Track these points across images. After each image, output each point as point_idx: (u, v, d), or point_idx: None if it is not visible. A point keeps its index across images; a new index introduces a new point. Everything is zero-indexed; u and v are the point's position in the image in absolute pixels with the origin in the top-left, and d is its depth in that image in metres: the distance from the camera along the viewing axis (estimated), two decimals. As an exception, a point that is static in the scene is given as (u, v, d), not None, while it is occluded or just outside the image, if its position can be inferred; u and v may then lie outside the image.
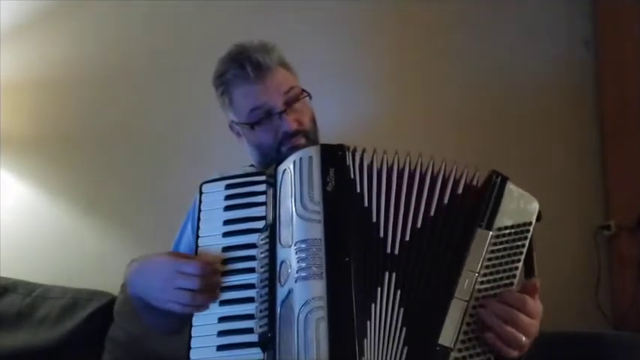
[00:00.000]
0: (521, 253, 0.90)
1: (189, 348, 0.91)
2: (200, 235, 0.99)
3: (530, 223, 0.92)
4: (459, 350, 0.85)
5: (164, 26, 2.00)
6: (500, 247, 0.90)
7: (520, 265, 0.90)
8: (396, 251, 0.91)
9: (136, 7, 2.00)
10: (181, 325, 1.10)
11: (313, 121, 1.23)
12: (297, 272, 0.88)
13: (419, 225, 0.92)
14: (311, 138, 1.20)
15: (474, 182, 0.95)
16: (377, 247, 0.91)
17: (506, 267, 0.89)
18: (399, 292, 0.88)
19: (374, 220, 0.92)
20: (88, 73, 1.99)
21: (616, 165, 1.80)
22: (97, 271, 1.87)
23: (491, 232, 0.90)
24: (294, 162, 0.96)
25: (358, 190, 0.94)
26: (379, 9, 1.94)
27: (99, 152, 1.96)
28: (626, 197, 1.77)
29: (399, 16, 1.95)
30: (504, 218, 0.91)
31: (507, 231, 0.91)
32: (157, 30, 2.00)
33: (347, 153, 0.96)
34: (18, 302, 1.76)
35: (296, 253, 0.89)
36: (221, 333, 0.91)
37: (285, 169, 0.97)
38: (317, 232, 0.89)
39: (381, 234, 0.91)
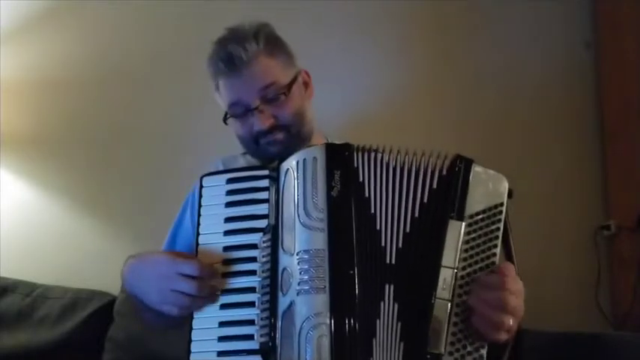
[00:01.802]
0: (496, 237, 0.87)
1: (189, 352, 0.90)
2: (200, 232, 0.96)
3: (502, 204, 0.88)
4: (450, 353, 0.83)
5: (164, 26, 2.00)
6: (475, 235, 0.86)
7: (497, 250, 0.86)
8: (393, 261, 0.86)
9: (135, 7, 1.99)
10: (181, 321, 1.09)
11: (298, 114, 1.15)
12: (299, 284, 0.85)
13: (408, 229, 0.87)
14: (292, 132, 1.14)
15: (444, 171, 0.89)
16: (379, 258, 0.87)
17: (484, 255, 0.86)
18: (396, 304, 0.85)
19: (377, 227, 0.87)
20: (87, 73, 1.99)
21: (616, 165, 1.80)
22: (97, 271, 1.86)
23: (463, 223, 0.86)
24: (298, 162, 0.91)
25: (367, 195, 0.88)
26: (380, 8, 1.94)
27: (99, 152, 1.96)
28: (626, 197, 1.76)
29: (400, 16, 1.94)
30: (474, 204, 0.87)
31: (480, 217, 0.86)
32: (156, 30, 2.00)
33: (354, 153, 0.90)
34: (18, 302, 1.76)
35: (298, 264, 0.86)
36: (221, 338, 0.89)
37: (287, 169, 0.92)
38: (320, 242, 0.86)
39: (382, 242, 0.87)
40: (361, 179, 0.89)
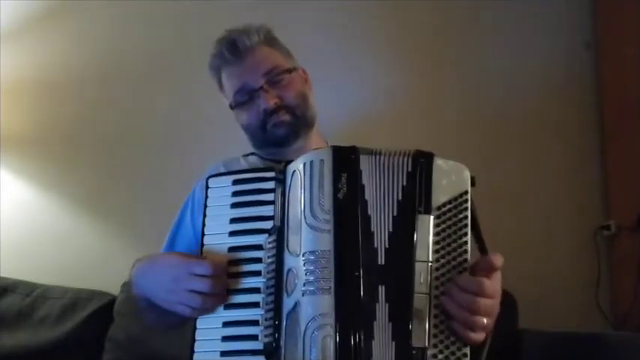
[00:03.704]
0: (465, 225, 0.88)
1: (192, 352, 0.90)
2: (206, 232, 0.96)
3: (466, 192, 0.89)
4: (434, 345, 0.84)
5: (164, 26, 2.00)
6: (444, 226, 0.87)
7: (468, 238, 0.88)
8: (383, 261, 0.87)
9: (135, 7, 2.00)
10: (182, 322, 1.09)
11: (301, 96, 1.21)
12: (304, 285, 0.85)
13: (391, 229, 0.88)
14: (297, 114, 1.19)
15: (409, 168, 0.90)
16: (374, 259, 0.87)
17: (455, 245, 0.87)
18: (388, 305, 0.85)
19: (372, 229, 0.88)
20: (87, 73, 1.99)
21: (616, 165, 1.80)
22: (97, 271, 1.87)
23: (431, 216, 0.87)
24: (305, 164, 0.91)
25: (366, 197, 0.89)
26: (380, 7, 1.94)
27: (99, 152, 1.97)
28: (626, 197, 1.76)
29: (400, 16, 1.95)
30: (440, 196, 0.88)
31: (446, 207, 0.88)
32: (156, 30, 2.00)
33: (361, 156, 0.91)
34: (18, 302, 1.76)
35: (304, 265, 0.86)
36: (225, 338, 0.89)
37: (294, 171, 0.92)
38: (326, 243, 0.86)
39: (375, 244, 0.88)
40: (363, 182, 0.90)
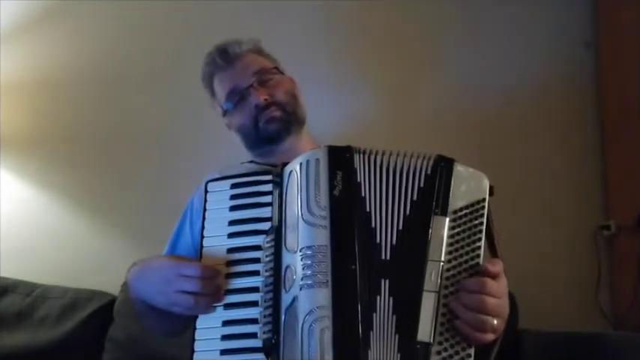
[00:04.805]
0: (480, 231, 0.90)
1: (192, 351, 0.91)
2: (205, 235, 0.98)
3: (483, 200, 0.92)
4: (439, 343, 0.85)
5: (163, 26, 2.00)
6: (459, 229, 0.90)
7: (481, 243, 0.90)
8: (388, 257, 0.89)
9: (135, 7, 2.00)
10: (183, 328, 1.10)
11: (291, 94, 1.27)
12: (302, 279, 0.87)
13: (401, 226, 0.91)
14: (288, 110, 1.24)
15: (429, 171, 0.93)
16: (375, 254, 0.89)
17: (468, 248, 0.89)
18: (391, 299, 0.87)
19: (373, 225, 0.90)
20: (87, 73, 1.99)
21: (616, 165, 1.80)
22: (97, 271, 1.87)
23: (447, 218, 0.90)
24: (301, 164, 0.94)
25: (363, 194, 0.92)
26: (376, 8, 1.94)
27: (99, 152, 1.97)
28: (626, 197, 1.76)
29: (397, 16, 1.94)
30: (457, 200, 0.91)
31: (463, 212, 0.91)
32: (156, 30, 2.00)
33: (355, 155, 0.94)
34: (18, 302, 1.76)
35: (301, 260, 0.88)
36: (225, 337, 0.90)
37: (291, 171, 0.95)
38: (323, 238, 0.88)
39: (378, 239, 0.90)
40: (359, 180, 0.92)
